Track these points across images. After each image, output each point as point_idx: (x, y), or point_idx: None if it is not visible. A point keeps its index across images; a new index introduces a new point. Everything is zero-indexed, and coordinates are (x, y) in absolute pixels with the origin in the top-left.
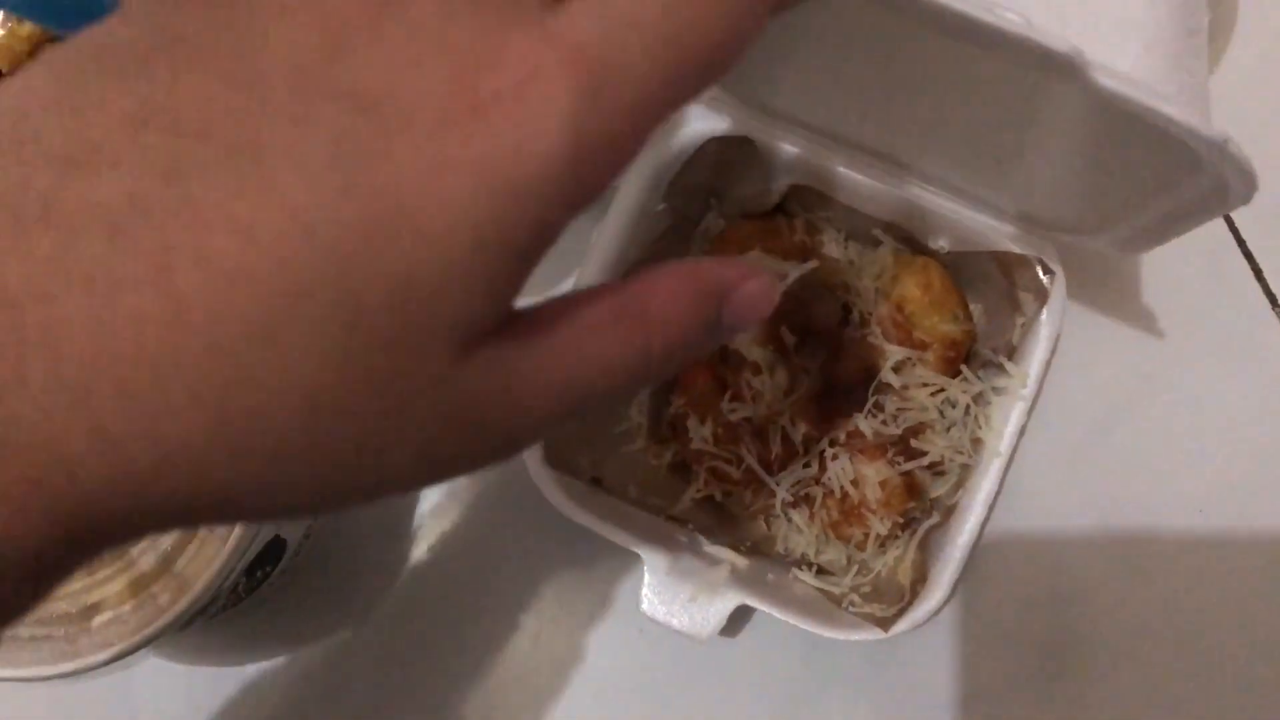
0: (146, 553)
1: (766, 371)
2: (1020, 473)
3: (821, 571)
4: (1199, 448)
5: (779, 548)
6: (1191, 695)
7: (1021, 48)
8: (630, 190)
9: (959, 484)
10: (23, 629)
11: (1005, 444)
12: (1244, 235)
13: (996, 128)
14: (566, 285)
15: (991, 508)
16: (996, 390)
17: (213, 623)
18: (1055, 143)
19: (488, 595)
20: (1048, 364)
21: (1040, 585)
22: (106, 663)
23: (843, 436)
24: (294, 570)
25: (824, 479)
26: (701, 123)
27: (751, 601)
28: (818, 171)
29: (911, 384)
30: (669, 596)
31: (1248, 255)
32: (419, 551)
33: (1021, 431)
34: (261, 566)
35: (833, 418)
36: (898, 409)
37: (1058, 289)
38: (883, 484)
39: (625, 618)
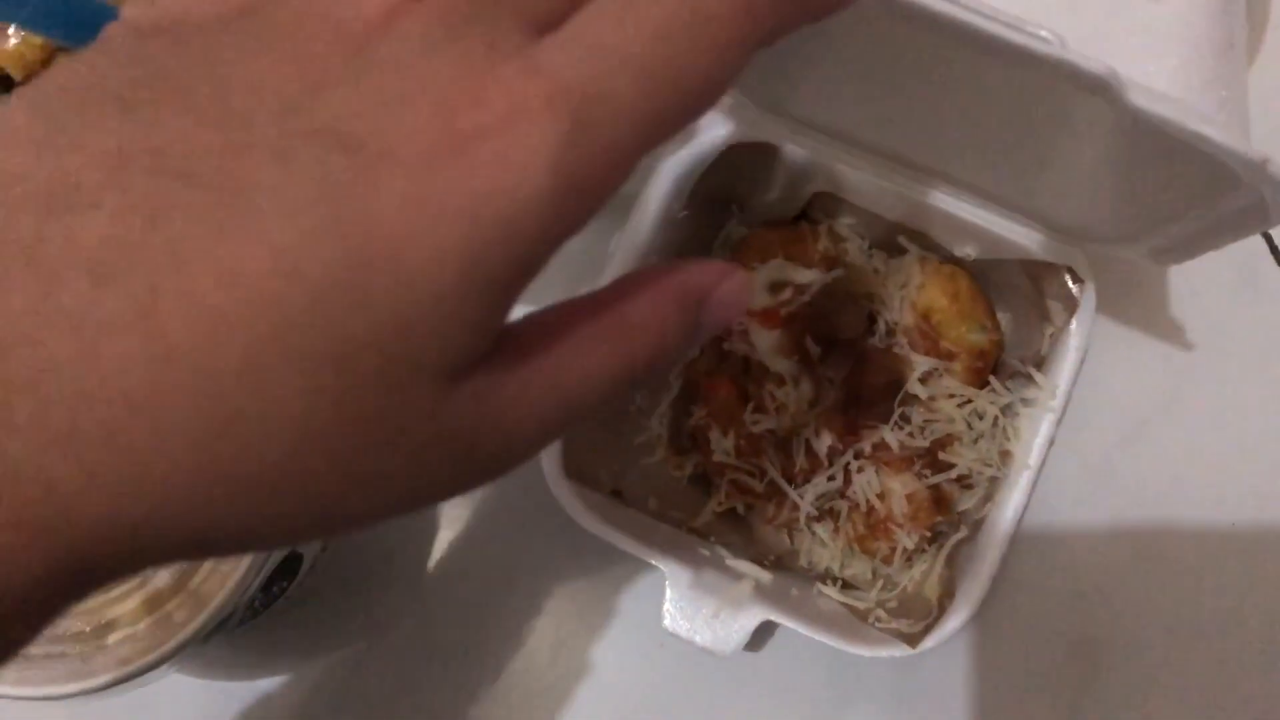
0: (162, 571)
1: (790, 382)
2: (1047, 484)
3: (846, 586)
4: (1230, 461)
5: (803, 562)
6: (1221, 710)
7: (1056, 68)
8: (652, 197)
9: (987, 497)
10: (36, 648)
11: (1034, 456)
12: (1277, 242)
13: (1026, 137)
14: (589, 285)
15: (1020, 522)
16: (1025, 401)
17: (229, 637)
18: (1087, 154)
19: (505, 609)
20: (1077, 374)
21: (1068, 598)
22: (120, 681)
23: (868, 449)
24: (310, 584)
25: (849, 492)
26: (724, 129)
27: (775, 617)
28: (841, 178)
29: (938, 395)
30: (691, 612)
31: None
32: (436, 564)
33: (1050, 444)
34: (278, 581)
35: (858, 429)
36: (924, 421)
37: (1088, 298)
38: (909, 497)
39: (646, 632)
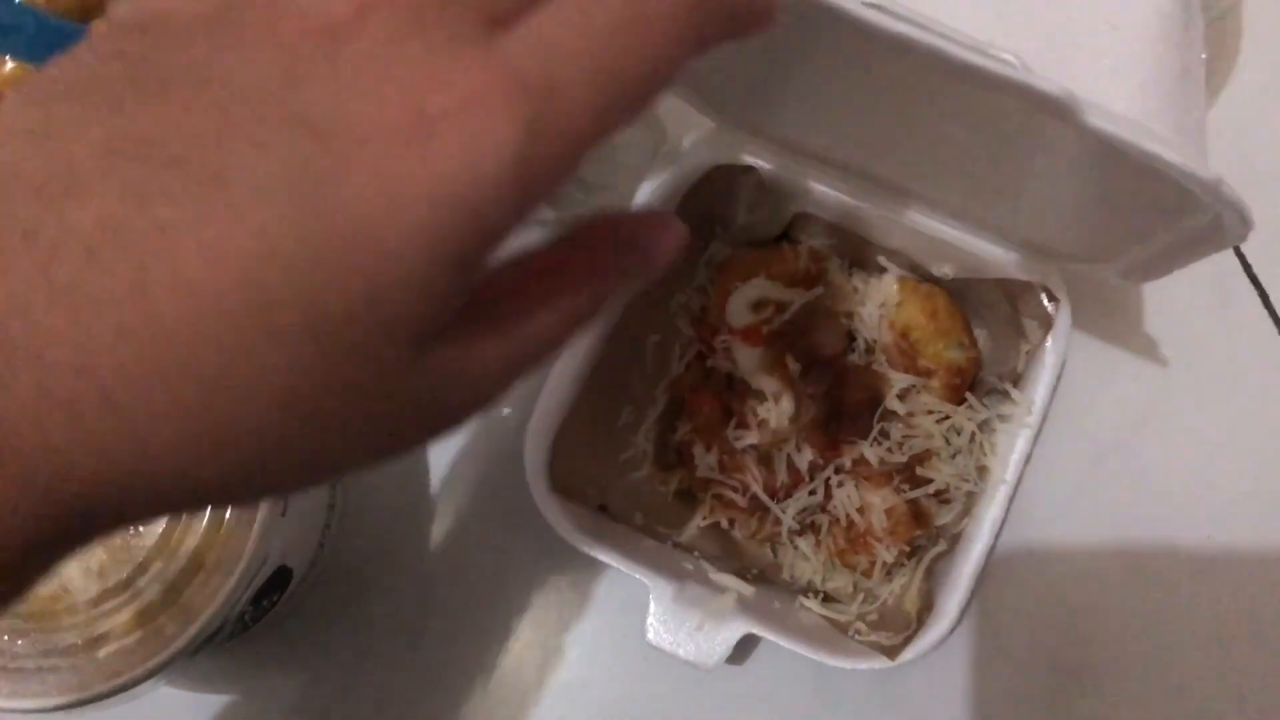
0: (153, 583)
1: (772, 399)
2: (1025, 499)
3: (828, 599)
4: (1206, 473)
5: (785, 575)
6: (1200, 715)
7: (1016, 90)
8: None
9: (965, 511)
10: (29, 661)
11: (1011, 471)
12: (1250, 261)
13: (999, 160)
14: None
15: (998, 535)
16: (1002, 417)
17: (220, 650)
18: (1057, 175)
19: (492, 623)
20: (1053, 391)
21: (1046, 610)
22: (112, 693)
23: (848, 463)
24: (300, 598)
25: (830, 506)
26: (709, 151)
27: (758, 630)
28: (822, 199)
29: (917, 411)
30: (675, 625)
31: (1254, 280)
32: (424, 579)
33: (1027, 459)
34: (268, 595)
35: (838, 445)
36: (903, 436)
37: (1063, 316)
38: (889, 511)
39: (631, 646)
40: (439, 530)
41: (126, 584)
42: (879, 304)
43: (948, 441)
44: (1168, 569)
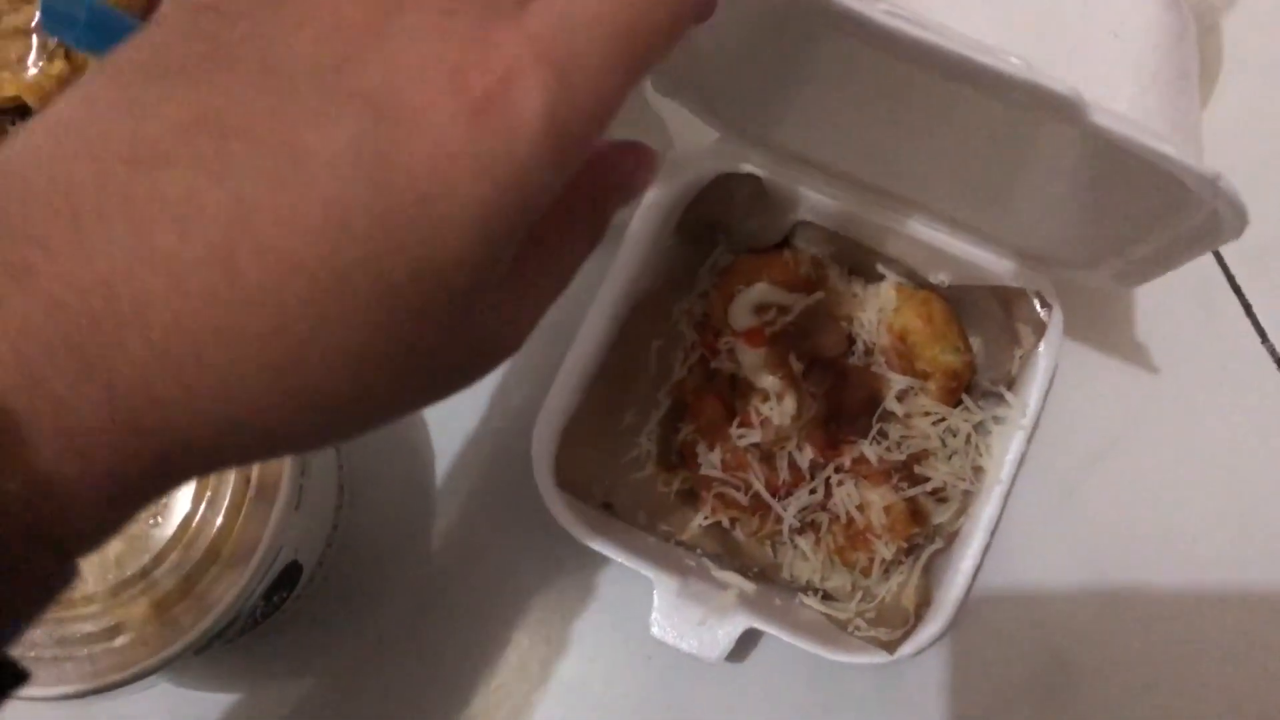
0: (170, 574)
1: (774, 398)
2: (1019, 499)
3: (827, 597)
4: (1193, 477)
5: (785, 574)
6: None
7: (1024, 90)
8: (643, 223)
9: (961, 510)
10: (46, 650)
11: (1005, 472)
12: (1233, 271)
13: (996, 166)
14: (583, 307)
15: (993, 533)
16: (997, 420)
17: (230, 648)
18: (1053, 179)
19: (498, 619)
20: (1046, 394)
21: (1041, 609)
22: (127, 682)
23: (848, 463)
24: (309, 596)
25: (830, 504)
26: (712, 160)
27: (759, 624)
28: (823, 208)
29: (914, 412)
30: (678, 619)
31: (1237, 290)
32: (431, 577)
33: (1021, 460)
34: (278, 591)
35: (838, 444)
36: (901, 436)
37: (1055, 322)
38: (887, 509)
39: (635, 642)
40: (443, 529)
41: (143, 574)
42: (877, 309)
43: (944, 442)
44: (1156, 569)
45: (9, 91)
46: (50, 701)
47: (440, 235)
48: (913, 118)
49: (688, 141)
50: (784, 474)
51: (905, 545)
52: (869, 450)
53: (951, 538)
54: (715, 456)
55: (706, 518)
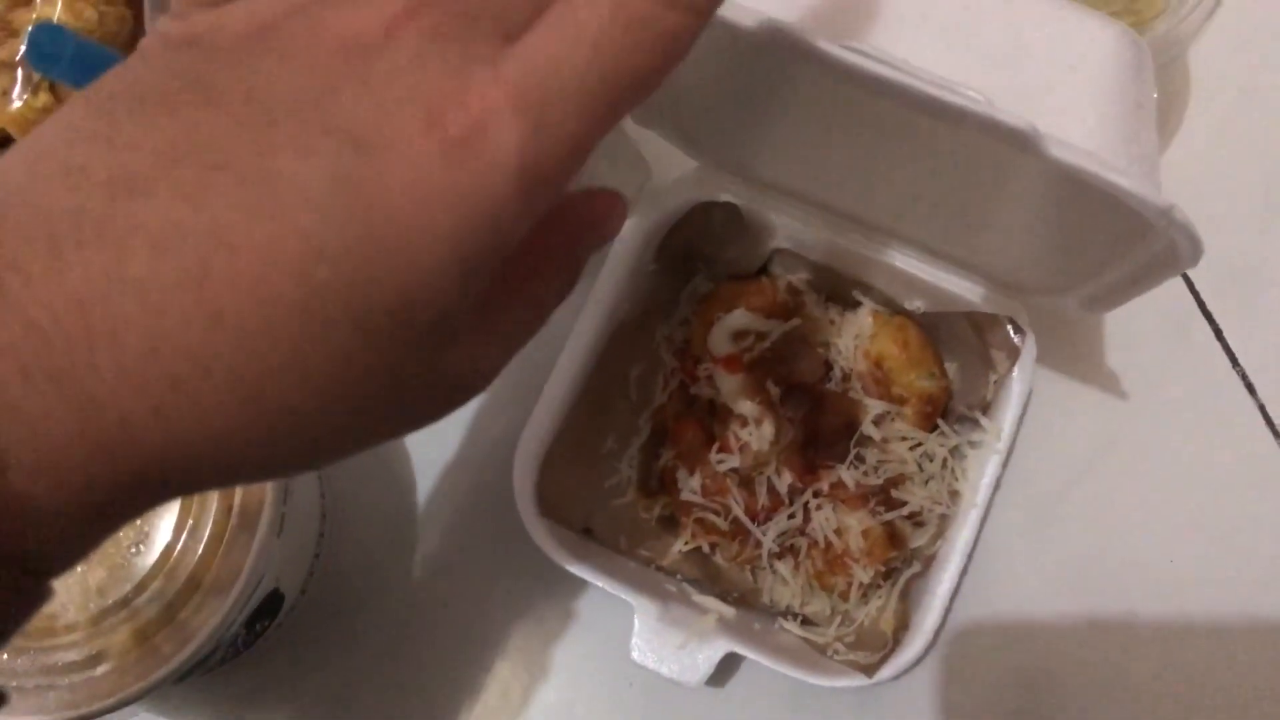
0: (151, 602)
1: (753, 422)
2: (995, 523)
3: (807, 622)
4: (1167, 500)
5: (765, 599)
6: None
7: (983, 123)
8: (624, 251)
9: (938, 534)
10: (29, 679)
11: (981, 495)
12: (1204, 297)
13: (967, 196)
14: (563, 334)
15: (970, 557)
16: (972, 444)
17: (211, 676)
18: (1021, 209)
19: (480, 645)
20: (1020, 419)
21: (1018, 631)
22: (108, 711)
23: (826, 487)
24: (291, 624)
25: (808, 529)
26: (690, 189)
27: (739, 649)
28: (800, 236)
29: (891, 437)
30: (659, 644)
31: (1208, 316)
32: (413, 604)
33: (996, 484)
34: (260, 619)
35: (816, 469)
36: (878, 461)
37: (1028, 347)
38: (865, 533)
39: (616, 668)
40: (426, 556)
41: (125, 602)
42: (854, 335)
43: (921, 467)
44: (1131, 589)
45: None
46: None
47: (413, 267)
48: (885, 148)
49: (666, 170)
50: (763, 499)
51: (883, 569)
52: (846, 475)
53: (929, 561)
54: (695, 482)
55: (687, 543)
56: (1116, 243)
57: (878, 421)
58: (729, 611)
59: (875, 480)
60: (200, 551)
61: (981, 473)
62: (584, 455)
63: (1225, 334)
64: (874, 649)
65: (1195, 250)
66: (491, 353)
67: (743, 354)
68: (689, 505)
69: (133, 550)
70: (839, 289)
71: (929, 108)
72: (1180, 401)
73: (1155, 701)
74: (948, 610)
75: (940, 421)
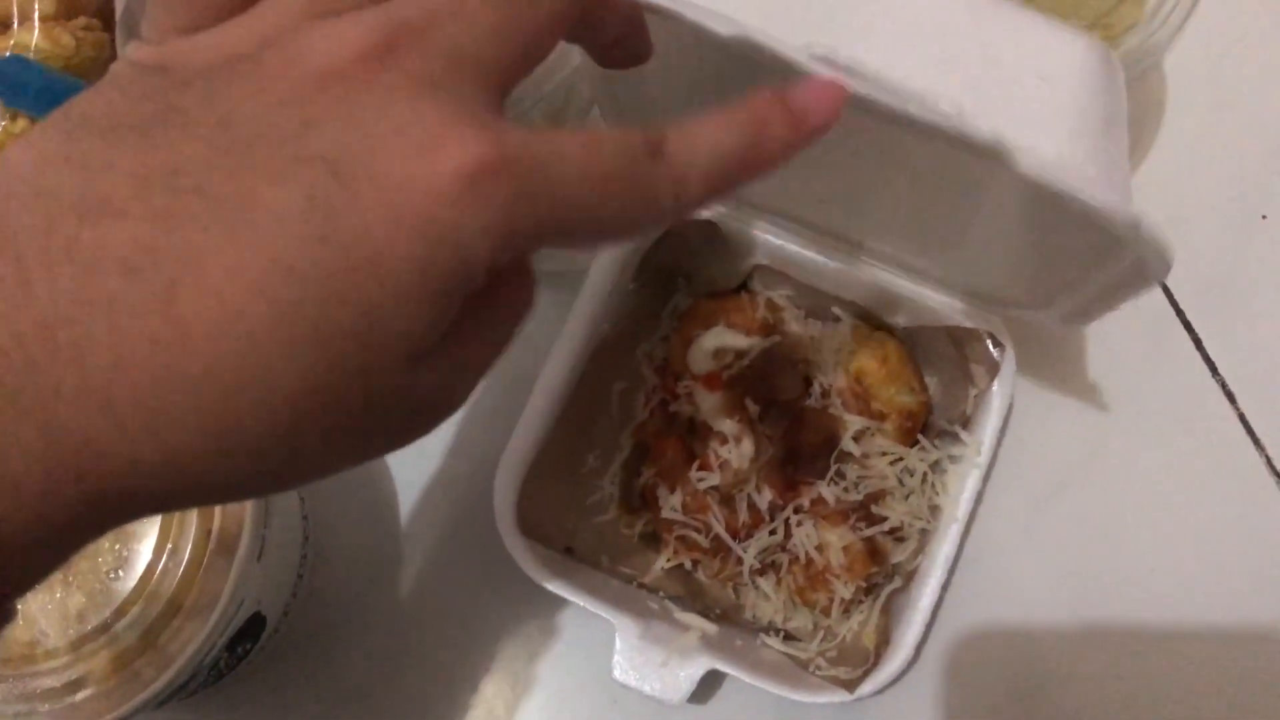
0: (131, 627)
1: (732, 440)
2: (977, 538)
3: (789, 637)
4: (1149, 510)
5: (747, 615)
6: None
7: (953, 136)
8: (604, 268)
9: (919, 549)
10: (7, 707)
11: (962, 509)
12: (1183, 306)
13: (944, 211)
14: (544, 353)
15: (951, 571)
16: (952, 459)
17: (193, 701)
18: (997, 224)
19: (464, 665)
20: (1001, 433)
21: (1000, 645)
22: None
23: (806, 503)
24: (274, 647)
25: (789, 545)
26: None
27: (721, 666)
28: (779, 253)
29: (871, 453)
30: (640, 662)
31: (1187, 325)
32: (396, 626)
33: (978, 498)
34: (242, 643)
35: (796, 485)
36: (859, 476)
37: (1008, 361)
38: (846, 549)
39: (600, 686)
40: (409, 577)
41: (104, 628)
42: (834, 351)
43: (901, 482)
44: (1112, 601)
45: None
46: None
47: (383, 292)
48: (861, 163)
49: None
50: (744, 516)
51: (864, 585)
52: (827, 491)
53: (910, 576)
54: (676, 499)
55: (669, 560)
56: (1090, 256)
57: (858, 437)
58: (711, 628)
59: (855, 496)
60: (180, 576)
61: (962, 487)
62: (566, 473)
63: (1204, 343)
64: (856, 664)
65: (1164, 263)
66: (461, 377)
67: (722, 371)
68: (670, 523)
69: (112, 575)
70: (818, 305)
71: (898, 120)
72: (1161, 411)
73: (1142, 710)
74: (929, 625)
75: (920, 436)
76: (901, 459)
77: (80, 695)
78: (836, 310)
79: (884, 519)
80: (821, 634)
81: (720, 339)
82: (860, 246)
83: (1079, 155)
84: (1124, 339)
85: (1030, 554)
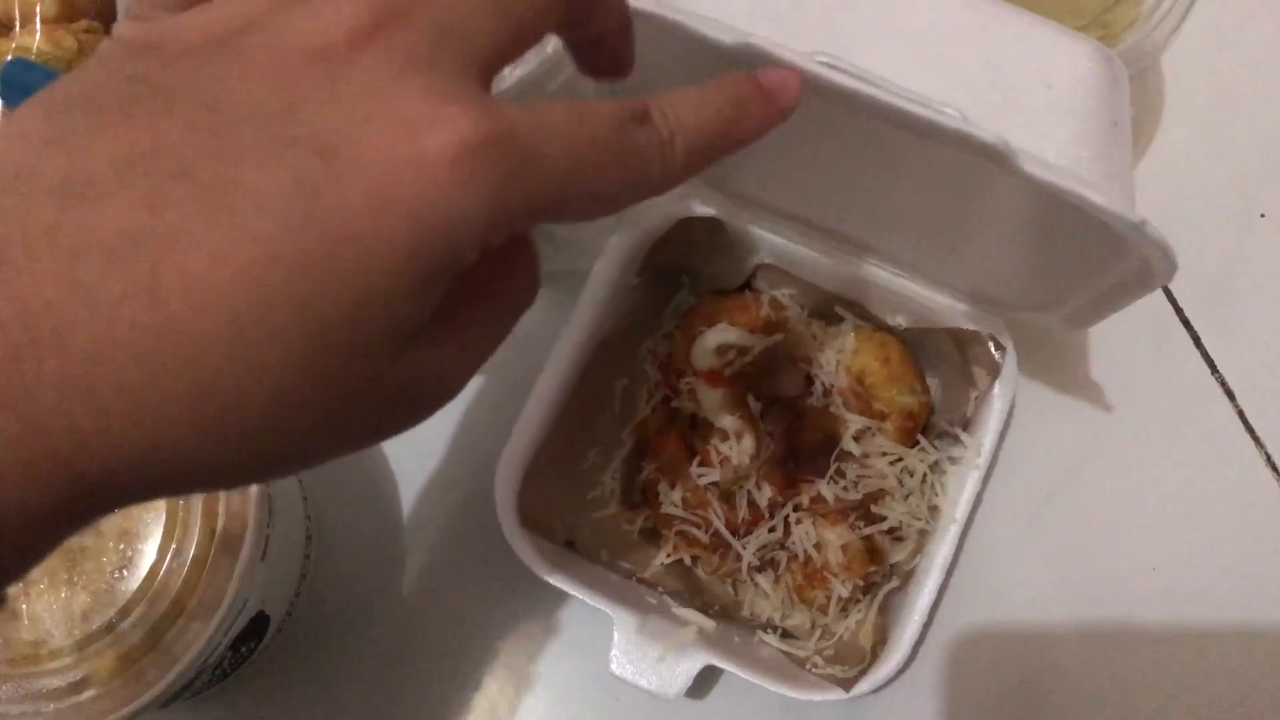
0: (135, 627)
1: (734, 436)
2: (976, 538)
3: (786, 635)
4: (1149, 510)
5: (745, 612)
6: None
7: (957, 139)
8: (607, 266)
9: (917, 549)
10: (13, 706)
11: (961, 511)
12: (1183, 305)
13: (948, 213)
14: (546, 348)
15: (949, 572)
16: (952, 460)
17: (197, 700)
18: (1000, 227)
19: (467, 662)
20: (1001, 435)
21: (997, 646)
22: None
23: (806, 501)
24: (278, 646)
25: (788, 542)
26: (675, 205)
27: (718, 662)
28: (783, 252)
29: (871, 452)
30: (638, 656)
31: (1187, 324)
32: (399, 622)
33: (977, 500)
34: (246, 642)
35: (796, 483)
36: (858, 476)
37: (1009, 364)
38: (844, 548)
39: (601, 681)
40: (412, 574)
41: (109, 628)
42: (836, 350)
43: (901, 482)
44: (1112, 601)
45: None
46: None
47: (368, 274)
48: (865, 165)
49: None
50: (743, 512)
51: (862, 584)
52: (826, 489)
53: (908, 577)
54: (676, 495)
55: (668, 555)
56: (1093, 258)
57: (858, 437)
58: (709, 624)
59: (855, 495)
60: (184, 575)
61: (961, 489)
62: (567, 468)
63: (1204, 342)
64: (852, 663)
65: (1169, 265)
66: (457, 363)
67: (725, 368)
68: (670, 518)
69: (116, 575)
70: (822, 305)
71: (903, 123)
72: (1161, 410)
73: (1142, 710)
74: (926, 625)
75: (921, 437)
76: (901, 459)
77: (85, 695)
78: (839, 310)
79: (883, 519)
80: (819, 632)
81: (723, 336)
82: (864, 247)
83: (1082, 158)
84: (1124, 339)
85: (1029, 555)
